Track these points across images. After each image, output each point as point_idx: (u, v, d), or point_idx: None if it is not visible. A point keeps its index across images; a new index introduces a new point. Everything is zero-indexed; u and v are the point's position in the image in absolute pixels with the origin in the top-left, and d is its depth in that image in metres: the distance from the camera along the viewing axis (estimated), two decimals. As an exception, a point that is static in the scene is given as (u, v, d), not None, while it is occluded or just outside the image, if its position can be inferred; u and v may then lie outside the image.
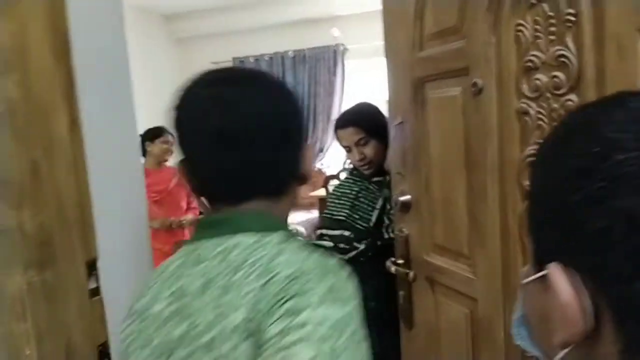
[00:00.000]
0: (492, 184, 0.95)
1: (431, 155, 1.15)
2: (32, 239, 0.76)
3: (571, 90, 0.77)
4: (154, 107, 5.44)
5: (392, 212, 1.48)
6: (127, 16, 0.92)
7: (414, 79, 1.15)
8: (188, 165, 0.65)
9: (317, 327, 0.49)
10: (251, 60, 5.27)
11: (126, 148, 0.97)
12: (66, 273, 0.82)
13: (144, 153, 2.99)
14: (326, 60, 4.95)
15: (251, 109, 0.61)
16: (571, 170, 0.32)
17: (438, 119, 1.11)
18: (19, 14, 0.65)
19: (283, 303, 0.52)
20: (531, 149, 0.86)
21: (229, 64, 5.36)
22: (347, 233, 1.61)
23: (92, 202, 0.86)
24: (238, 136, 0.60)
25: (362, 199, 1.66)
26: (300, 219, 4.81)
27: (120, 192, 0.93)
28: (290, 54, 5.11)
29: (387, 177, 1.53)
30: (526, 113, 0.86)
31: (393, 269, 1.28)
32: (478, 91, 0.94)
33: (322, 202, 4.60)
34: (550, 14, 0.78)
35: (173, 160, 3.08)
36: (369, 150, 1.58)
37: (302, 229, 4.40)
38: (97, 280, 0.88)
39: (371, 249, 1.57)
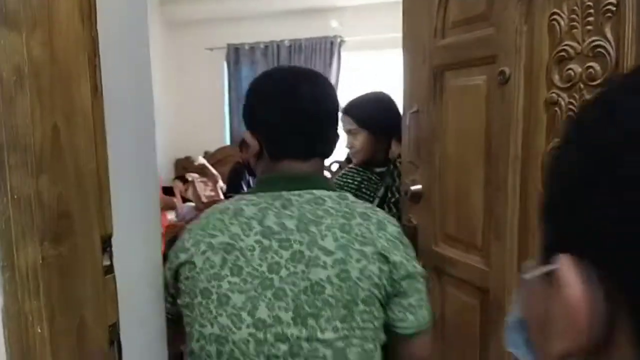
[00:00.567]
0: (513, 175, 0.94)
1: (447, 145, 1.13)
2: (49, 210, 0.72)
3: (606, 81, 0.76)
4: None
5: (392, 201, 1.47)
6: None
7: (433, 67, 1.14)
8: (270, 132, 0.84)
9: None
10: (246, 47, 5.20)
11: (142, 122, 0.93)
12: (83, 248, 0.78)
13: None
14: (322, 51, 4.91)
15: (336, 99, 0.88)
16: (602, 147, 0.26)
17: (457, 108, 1.10)
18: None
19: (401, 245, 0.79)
20: (558, 141, 0.85)
21: (223, 51, 5.29)
22: None
23: (109, 175, 0.82)
24: (334, 116, 0.87)
25: (364, 190, 1.64)
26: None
27: (135, 167, 0.89)
28: (287, 43, 5.05)
29: (391, 167, 1.52)
30: (555, 103, 0.85)
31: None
32: (505, 80, 0.93)
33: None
34: (589, 3, 0.77)
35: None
36: (357, 141, 1.57)
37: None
38: (110, 257, 0.85)
39: None
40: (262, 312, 0.74)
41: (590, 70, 0.78)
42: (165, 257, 0.89)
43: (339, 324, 0.73)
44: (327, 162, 5.42)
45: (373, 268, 0.75)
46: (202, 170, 4.55)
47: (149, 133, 0.96)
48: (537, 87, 0.87)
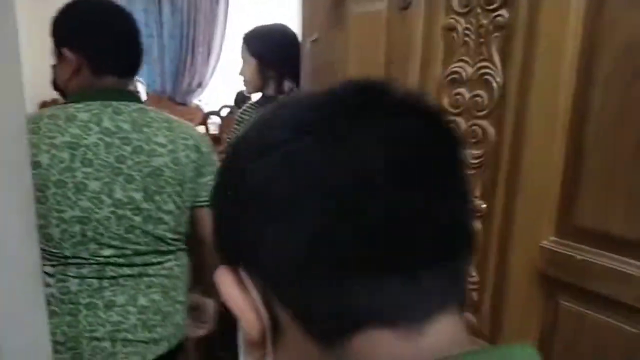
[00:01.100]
0: (411, 103, 0.96)
1: (349, 76, 1.12)
2: None
3: (503, 5, 0.79)
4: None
5: None
6: None
7: (334, -8, 1.10)
8: (97, 50, 1.01)
9: None
10: (121, -24, 4.66)
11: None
12: None
13: None
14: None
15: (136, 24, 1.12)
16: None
17: (358, 36, 1.08)
18: None
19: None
20: (454, 67, 0.88)
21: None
22: None
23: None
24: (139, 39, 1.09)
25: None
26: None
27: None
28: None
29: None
30: (453, 29, 0.87)
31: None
32: (406, 5, 0.93)
33: (201, 140, 4.37)
34: None
35: None
36: (245, 69, 1.55)
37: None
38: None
39: None
40: (118, 194, 0.96)
41: (488, -6, 0.80)
42: None
43: (176, 198, 1.02)
44: (217, 106, 5.16)
45: (192, 155, 1.03)
46: None
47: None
48: (437, 12, 0.88)
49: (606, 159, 0.70)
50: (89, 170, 0.93)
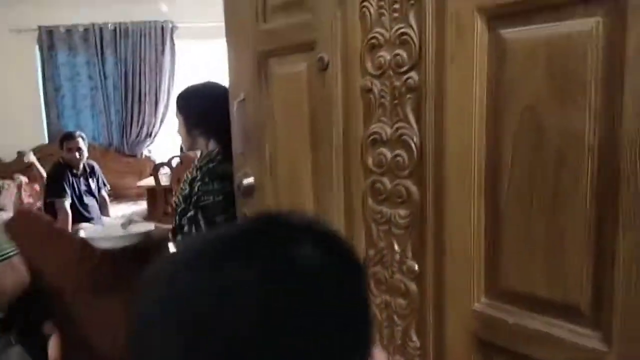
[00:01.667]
0: (337, 163, 0.95)
1: (276, 134, 1.10)
2: None
3: (412, 68, 0.79)
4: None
5: (201, 204, 1.40)
6: None
7: (257, 53, 1.09)
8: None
9: None
10: (62, 30, 4.57)
11: None
12: None
13: None
14: (153, 37, 4.56)
15: None
16: None
17: (283, 96, 1.07)
18: None
19: None
20: (374, 127, 0.87)
21: (34, 34, 4.58)
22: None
23: None
24: None
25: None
26: (126, 210, 4.39)
27: None
28: (110, 26, 4.58)
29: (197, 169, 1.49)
30: (370, 90, 0.86)
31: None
32: (324, 67, 0.92)
33: (151, 193, 4.25)
34: (394, -9, 0.79)
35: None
36: (179, 128, 1.55)
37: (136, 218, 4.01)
38: None
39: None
40: None
41: (398, 57, 0.80)
42: None
43: None
44: (165, 157, 5.01)
45: None
46: (28, 171, 3.91)
47: None
48: (354, 74, 0.88)
49: (522, 218, 0.69)
50: None
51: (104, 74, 4.71)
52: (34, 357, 1.29)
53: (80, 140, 3.61)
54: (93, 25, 4.56)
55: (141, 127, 4.84)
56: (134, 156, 4.97)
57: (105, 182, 3.98)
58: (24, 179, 3.99)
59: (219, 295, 0.30)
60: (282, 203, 1.12)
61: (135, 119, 4.81)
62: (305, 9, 0.95)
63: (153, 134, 4.89)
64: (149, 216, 4.05)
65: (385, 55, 0.82)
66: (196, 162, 1.61)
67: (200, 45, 4.55)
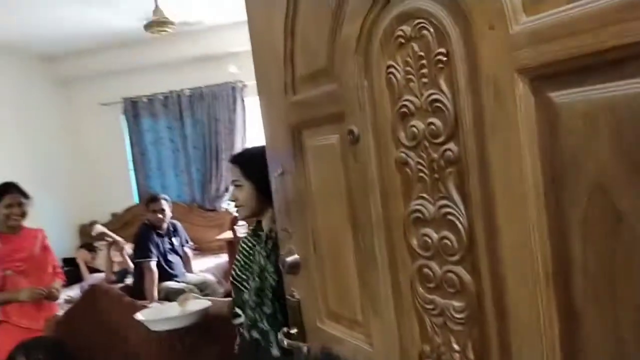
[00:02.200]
0: (379, 243, 0.84)
1: (316, 210, 1.01)
2: None
3: (450, 139, 0.67)
4: (36, 151, 4.86)
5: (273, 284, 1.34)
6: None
7: (290, 125, 1.03)
8: None
9: None
10: (144, 100, 4.95)
11: None
12: None
13: None
14: (225, 97, 4.78)
15: None
16: None
17: (319, 169, 0.99)
18: None
19: None
20: (415, 205, 0.76)
21: (119, 105, 5.00)
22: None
23: None
24: None
25: (257, 255, 1.49)
26: (208, 264, 4.50)
27: None
28: (187, 92, 4.88)
29: (264, 238, 1.43)
30: (406, 163, 0.75)
31: (286, 342, 1.11)
32: (355, 139, 0.83)
33: (230, 246, 4.34)
34: (421, 53, 0.69)
35: (31, 221, 2.64)
36: (240, 194, 1.45)
37: (210, 277, 4.10)
38: None
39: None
40: None
41: (432, 126, 0.69)
42: None
43: None
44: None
45: None
46: (103, 239, 4.17)
47: None
48: (387, 146, 0.78)
49: (605, 322, 0.54)
50: None
51: (184, 135, 4.99)
52: None
53: (163, 202, 3.79)
54: (171, 92, 4.89)
55: (219, 183, 5.03)
56: (215, 210, 5.15)
57: (188, 239, 4.13)
58: (104, 244, 4.22)
59: None
60: (328, 283, 1.02)
61: (214, 175, 5.02)
62: (332, 77, 0.87)
63: (230, 189, 5.05)
64: (230, 268, 4.12)
65: (418, 124, 0.72)
66: (262, 234, 1.51)
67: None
